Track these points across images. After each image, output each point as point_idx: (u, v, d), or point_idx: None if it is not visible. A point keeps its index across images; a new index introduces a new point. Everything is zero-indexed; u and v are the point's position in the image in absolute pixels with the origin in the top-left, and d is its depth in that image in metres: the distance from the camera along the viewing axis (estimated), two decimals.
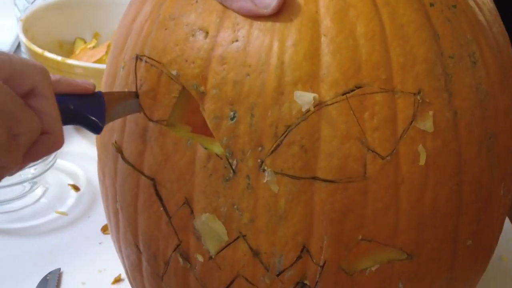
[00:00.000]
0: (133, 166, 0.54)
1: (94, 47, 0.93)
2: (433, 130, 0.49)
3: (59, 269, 0.69)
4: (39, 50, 0.83)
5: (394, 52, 0.48)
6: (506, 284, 0.71)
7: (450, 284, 0.54)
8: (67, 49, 0.96)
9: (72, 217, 0.77)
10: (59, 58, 0.82)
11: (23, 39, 0.86)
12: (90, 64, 0.83)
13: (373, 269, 0.51)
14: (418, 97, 0.49)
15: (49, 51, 0.86)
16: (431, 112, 0.49)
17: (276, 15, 0.49)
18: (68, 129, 0.90)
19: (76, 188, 0.81)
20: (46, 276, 0.68)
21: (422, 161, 0.49)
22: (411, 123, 0.49)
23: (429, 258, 0.51)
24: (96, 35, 0.98)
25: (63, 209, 0.78)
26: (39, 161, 0.75)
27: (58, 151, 0.78)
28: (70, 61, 0.82)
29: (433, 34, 0.49)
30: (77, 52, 0.94)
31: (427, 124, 0.49)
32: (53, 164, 0.78)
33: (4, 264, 0.70)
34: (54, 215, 0.77)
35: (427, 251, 0.51)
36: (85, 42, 0.96)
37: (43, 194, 0.80)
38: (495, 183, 0.53)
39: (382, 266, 0.51)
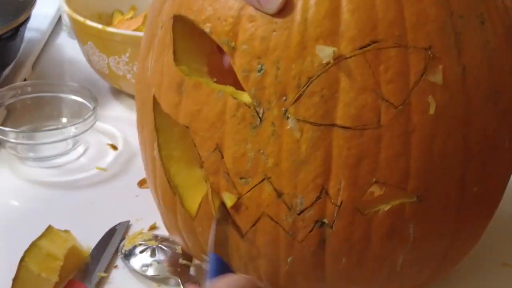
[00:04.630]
0: (169, 116, 0.59)
1: (131, 18, 0.99)
2: (442, 83, 0.53)
3: (129, 221, 0.74)
4: (81, 18, 0.89)
5: (408, 11, 0.53)
6: None
7: (457, 227, 0.58)
8: (106, 20, 1.02)
9: (111, 173, 0.83)
10: (99, 26, 0.87)
11: (67, 9, 0.91)
12: (128, 32, 0.88)
13: (385, 209, 0.55)
14: (429, 52, 0.53)
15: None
16: (440, 67, 0.53)
17: None
18: (106, 94, 0.96)
19: (114, 147, 0.87)
20: (115, 226, 0.73)
21: (432, 111, 0.53)
22: (422, 76, 0.53)
23: (437, 202, 0.56)
24: (133, 7, 1.03)
25: (102, 165, 0.84)
26: (80, 120, 0.82)
27: (97, 114, 0.84)
28: (110, 28, 0.87)
29: None
30: (115, 22, 1.00)
31: (437, 77, 0.53)
32: (93, 125, 0.84)
33: (60, 215, 0.75)
34: (94, 170, 0.83)
35: (436, 195, 0.55)
36: (122, 14, 1.02)
37: (84, 152, 0.86)
38: (500, 135, 0.57)
39: (394, 207, 0.55)
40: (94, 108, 0.84)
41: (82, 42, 0.91)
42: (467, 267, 0.70)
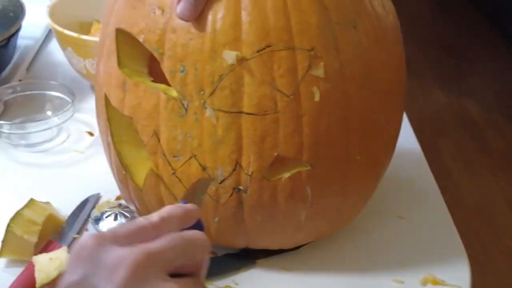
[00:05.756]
0: (117, 109, 0.66)
1: None
2: (324, 76, 0.60)
3: (99, 193, 0.81)
4: (60, 28, 0.95)
5: (294, 20, 0.60)
6: (413, 199, 0.82)
7: (346, 188, 0.65)
8: (87, 28, 1.08)
9: (87, 154, 0.89)
10: (75, 34, 0.94)
11: (49, 20, 0.97)
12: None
13: (286, 176, 0.62)
14: (312, 53, 0.60)
15: (71, 30, 0.96)
16: (322, 63, 0.60)
17: None
18: (85, 90, 1.03)
19: (91, 134, 0.93)
20: (88, 197, 0.79)
21: (317, 98, 0.60)
22: (307, 71, 0.60)
23: (327, 168, 0.63)
24: None
25: (80, 149, 0.91)
26: (61, 111, 0.88)
27: (76, 106, 0.90)
28: (84, 37, 0.93)
29: (323, 7, 0.60)
30: (93, 30, 1.06)
31: (319, 71, 0.60)
32: (72, 115, 0.90)
33: (43, 189, 0.81)
34: (74, 153, 0.90)
35: (325, 163, 0.63)
36: (99, 23, 1.08)
37: (66, 139, 0.92)
38: (375, 114, 0.64)
39: (293, 174, 0.62)
40: (72, 101, 0.91)
41: (63, 48, 0.98)
42: (368, 219, 0.77)
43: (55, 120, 0.90)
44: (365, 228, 0.76)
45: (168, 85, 0.62)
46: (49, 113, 0.94)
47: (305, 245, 0.72)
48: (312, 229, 0.68)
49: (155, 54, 0.62)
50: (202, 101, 0.61)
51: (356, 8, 0.62)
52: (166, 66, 0.62)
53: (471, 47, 2.83)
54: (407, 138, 0.92)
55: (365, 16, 0.62)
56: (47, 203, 0.77)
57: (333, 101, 0.61)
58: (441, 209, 0.81)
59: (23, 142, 0.91)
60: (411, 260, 0.73)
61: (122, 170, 0.68)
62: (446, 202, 0.82)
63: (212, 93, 0.60)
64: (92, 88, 1.04)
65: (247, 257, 0.71)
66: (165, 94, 0.62)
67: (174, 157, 0.63)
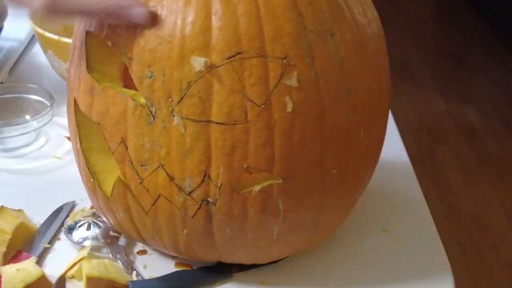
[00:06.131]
0: (85, 115, 0.63)
1: None
2: (297, 85, 0.57)
3: (74, 201, 0.78)
4: (41, 30, 0.92)
5: (267, 27, 0.56)
6: (398, 212, 0.79)
7: (321, 202, 0.62)
8: (71, 31, 1.05)
9: (66, 160, 0.86)
10: (56, 37, 0.91)
11: (30, 22, 0.95)
12: None
13: (257, 189, 0.59)
14: (285, 61, 0.56)
15: (54, 33, 0.93)
16: (295, 72, 0.57)
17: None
18: (63, 95, 1.00)
19: (70, 139, 0.90)
20: (62, 205, 0.76)
21: (289, 109, 0.57)
22: (279, 80, 0.57)
23: (300, 182, 0.60)
24: None
25: (59, 155, 0.88)
26: (40, 115, 0.86)
27: (54, 110, 0.88)
28: (64, 39, 0.91)
29: (297, 14, 0.57)
30: None
31: (292, 81, 0.57)
32: (51, 119, 0.87)
33: (17, 196, 0.79)
34: (52, 159, 0.87)
35: (298, 176, 0.59)
36: None
37: (45, 143, 0.90)
38: (354, 127, 0.61)
39: (264, 188, 0.59)
40: (51, 105, 0.88)
41: (44, 50, 0.95)
42: (351, 231, 0.74)
43: (34, 124, 0.87)
44: (348, 241, 0.73)
45: (136, 90, 0.59)
46: (27, 117, 0.91)
47: (283, 258, 0.69)
48: (286, 244, 0.65)
49: (124, 59, 0.59)
50: (170, 108, 0.58)
51: (333, 16, 0.58)
52: (134, 72, 0.59)
53: (472, 54, 2.81)
54: (394, 148, 0.89)
55: (343, 24, 0.59)
56: (20, 210, 0.75)
57: (307, 111, 0.58)
58: (427, 222, 0.78)
59: (0, 146, 0.88)
60: (394, 276, 0.70)
61: (91, 177, 0.65)
62: (443, 210, 0.80)
63: (180, 101, 0.57)
64: None
65: (222, 271, 0.68)
66: (133, 100, 0.59)
67: (141, 166, 0.60)
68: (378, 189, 0.74)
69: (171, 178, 0.60)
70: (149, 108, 0.58)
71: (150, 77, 0.58)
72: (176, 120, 0.58)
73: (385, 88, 0.65)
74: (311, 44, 0.57)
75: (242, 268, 0.68)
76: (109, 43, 0.60)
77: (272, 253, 0.66)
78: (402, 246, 0.74)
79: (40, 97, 0.90)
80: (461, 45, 2.87)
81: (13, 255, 0.70)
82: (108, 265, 0.67)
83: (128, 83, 0.61)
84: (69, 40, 0.91)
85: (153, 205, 0.61)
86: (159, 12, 0.58)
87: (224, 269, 0.68)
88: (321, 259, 0.71)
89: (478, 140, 2.34)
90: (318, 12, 0.58)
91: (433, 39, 2.91)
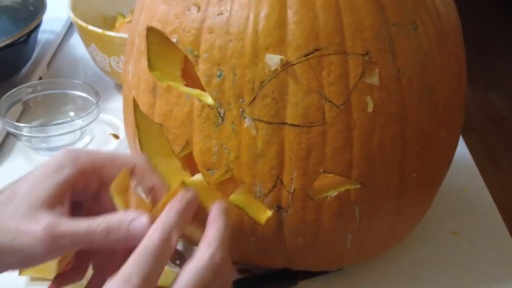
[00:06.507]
0: (146, 116, 0.59)
1: (130, 21, 0.98)
2: (379, 84, 0.52)
3: None
4: (83, 24, 0.88)
5: (346, 21, 0.52)
6: (466, 212, 0.75)
7: (399, 208, 0.58)
8: (110, 23, 1.01)
9: None
10: (100, 30, 0.87)
11: (71, 15, 0.91)
12: (125, 35, 0.87)
13: (333, 195, 0.55)
14: (366, 58, 0.52)
15: (94, 25, 0.90)
16: (377, 70, 0.52)
17: None
18: (110, 89, 0.96)
19: (116, 136, 0.87)
20: None
21: (370, 109, 0.53)
22: (360, 78, 0.52)
23: (378, 187, 0.55)
24: (132, 11, 1.02)
25: None
26: (85, 113, 0.82)
27: (100, 107, 0.84)
28: (109, 32, 0.87)
29: (379, 6, 0.52)
30: (117, 25, 0.99)
31: (373, 79, 0.52)
32: (96, 117, 0.84)
33: None
34: None
35: (377, 181, 0.55)
36: (123, 17, 1.01)
37: (90, 142, 0.86)
38: (435, 127, 0.56)
39: (340, 193, 0.55)
40: (97, 102, 0.84)
41: (86, 44, 0.91)
42: (419, 235, 0.70)
43: (79, 122, 0.83)
44: (415, 246, 0.69)
45: (203, 90, 0.55)
46: (71, 114, 0.87)
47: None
48: (359, 252, 0.60)
49: (190, 57, 0.55)
50: (241, 109, 0.53)
51: (416, 7, 0.54)
52: (201, 70, 0.54)
53: (496, 40, 2.75)
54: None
55: (426, 15, 0.54)
56: None
57: (388, 112, 0.53)
58: (497, 222, 0.74)
59: (44, 145, 0.84)
60: (467, 281, 0.66)
61: None
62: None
63: (252, 101, 0.53)
64: (117, 86, 0.97)
65: (288, 278, 0.64)
66: (200, 100, 0.55)
67: (208, 170, 0.56)
68: (442, 189, 0.69)
69: (241, 183, 0.55)
70: (217, 109, 0.54)
71: (219, 76, 0.54)
72: (247, 122, 0.54)
73: (463, 82, 0.60)
74: (393, 38, 0.53)
75: (307, 275, 0.65)
76: (174, 39, 0.55)
77: (344, 260, 0.62)
78: (474, 250, 0.70)
79: (84, 93, 0.86)
80: (486, 31, 2.81)
81: (68, 261, 0.66)
82: (168, 272, 0.63)
83: (188, 82, 0.57)
84: (113, 34, 0.87)
85: None
86: (229, 6, 0.53)
87: (290, 276, 0.64)
88: (389, 265, 0.67)
89: (504, 126, 2.30)
90: (400, 3, 0.53)
91: None
